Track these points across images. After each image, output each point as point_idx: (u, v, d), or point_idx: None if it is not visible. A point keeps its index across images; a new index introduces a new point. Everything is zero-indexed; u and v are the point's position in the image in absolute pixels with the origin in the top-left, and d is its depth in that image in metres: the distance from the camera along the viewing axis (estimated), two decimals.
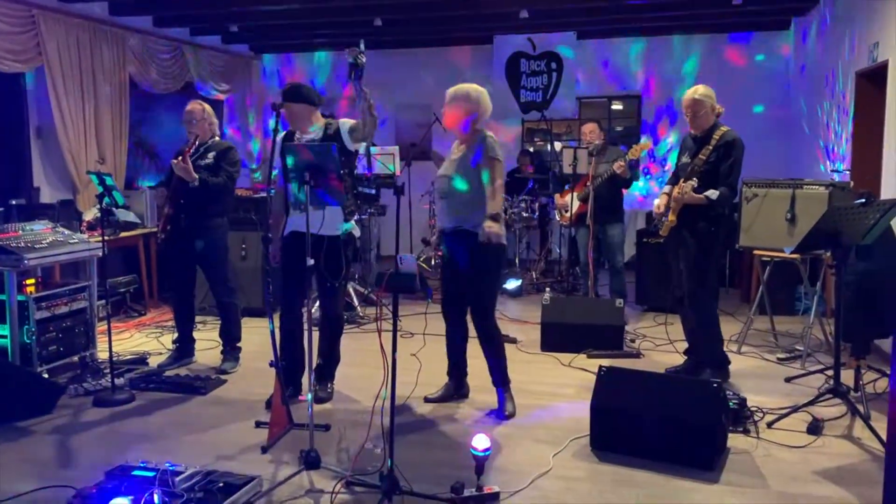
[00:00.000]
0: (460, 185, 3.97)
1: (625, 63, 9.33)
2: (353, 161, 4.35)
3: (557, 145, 7.91)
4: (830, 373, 4.13)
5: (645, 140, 5.91)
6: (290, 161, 3.56)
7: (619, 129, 9.56)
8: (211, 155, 4.88)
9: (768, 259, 5.29)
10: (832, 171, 6.48)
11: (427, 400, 4.31)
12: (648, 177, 9.26)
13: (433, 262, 8.59)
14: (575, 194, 6.30)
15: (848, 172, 6.12)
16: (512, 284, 7.51)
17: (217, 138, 5.04)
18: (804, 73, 8.11)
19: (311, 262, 3.50)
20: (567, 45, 9.21)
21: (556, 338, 5.39)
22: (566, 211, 6.46)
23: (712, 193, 4.28)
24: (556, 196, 6.73)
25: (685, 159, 4.54)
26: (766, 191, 5.10)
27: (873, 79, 5.80)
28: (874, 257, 4.11)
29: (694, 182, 4.36)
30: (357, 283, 6.83)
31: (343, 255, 4.13)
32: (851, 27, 6.30)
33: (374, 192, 6.83)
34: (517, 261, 8.37)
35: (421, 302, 6.61)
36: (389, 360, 3.03)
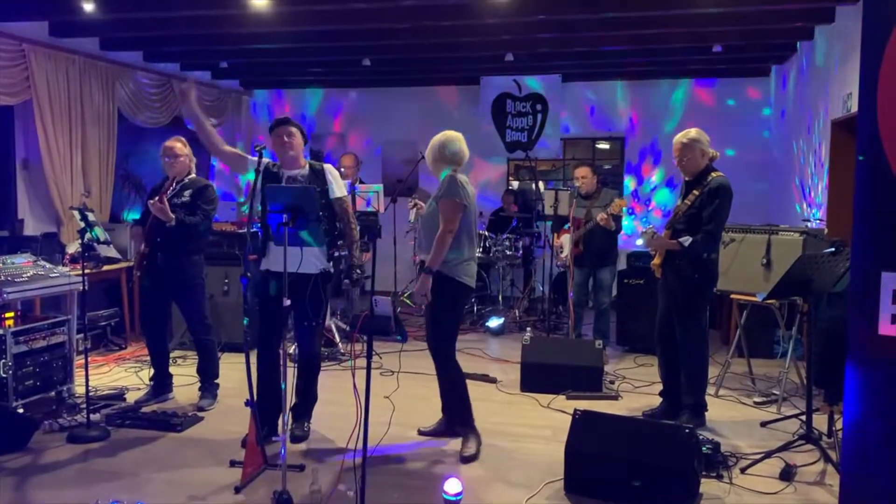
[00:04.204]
0: (427, 222, 4.13)
1: (609, 105, 9.50)
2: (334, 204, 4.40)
3: (541, 185, 8.00)
4: (805, 418, 4.17)
5: (618, 200, 6.05)
6: (269, 203, 3.61)
7: (606, 166, 9.70)
8: (187, 193, 4.90)
9: (745, 303, 5.35)
10: (803, 220, 6.60)
11: (420, 432, 4.38)
12: (633, 216, 9.37)
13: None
14: (566, 237, 6.39)
15: (821, 221, 6.22)
16: (494, 322, 7.53)
17: (193, 175, 5.04)
18: (783, 120, 8.28)
19: (287, 302, 3.52)
20: (552, 87, 9.37)
21: (536, 378, 5.40)
22: (561, 251, 6.55)
23: (685, 240, 4.34)
24: (554, 236, 6.82)
25: (678, 202, 4.63)
26: (742, 236, 5.19)
27: (848, 128, 5.93)
28: (845, 305, 4.18)
29: (651, 228, 4.48)
30: (339, 318, 6.84)
31: (322, 294, 4.16)
32: (827, 76, 6.46)
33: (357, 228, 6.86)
34: (500, 298, 8.41)
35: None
36: (362, 403, 3.05)
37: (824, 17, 6.30)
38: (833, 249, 3.91)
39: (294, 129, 4.21)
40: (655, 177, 9.38)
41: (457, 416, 4.20)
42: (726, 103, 9.12)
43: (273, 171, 4.21)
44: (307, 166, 4.28)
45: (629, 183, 9.45)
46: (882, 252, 2.14)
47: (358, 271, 4.30)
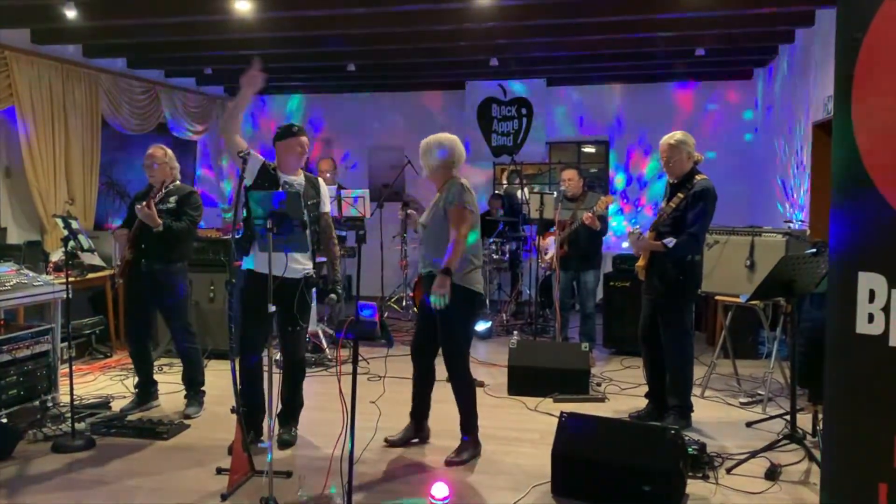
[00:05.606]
0: (432, 231, 4.10)
1: (594, 109, 9.55)
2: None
3: (526, 190, 8.03)
4: (790, 418, 4.20)
5: (605, 197, 6.07)
6: (254, 208, 3.60)
7: (592, 170, 9.75)
8: (172, 199, 4.88)
9: (730, 304, 5.39)
10: (785, 221, 6.65)
11: (387, 441, 4.32)
12: (622, 216, 9.43)
13: (404, 304, 8.62)
14: (551, 239, 6.42)
15: (801, 222, 6.28)
16: (481, 326, 7.53)
17: (178, 182, 5.03)
18: (766, 122, 8.36)
19: (272, 308, 3.52)
20: (537, 91, 9.42)
21: (523, 381, 5.41)
22: (546, 253, 6.58)
23: (669, 241, 4.37)
24: (539, 238, 6.85)
25: (662, 205, 4.65)
26: (726, 238, 5.22)
27: (829, 130, 5.98)
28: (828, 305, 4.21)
29: (637, 229, 4.49)
30: (326, 324, 6.83)
31: (306, 298, 4.16)
32: (808, 80, 6.53)
33: (343, 234, 6.88)
34: (487, 302, 8.41)
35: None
36: (348, 408, 3.05)
37: (804, 20, 6.37)
38: (814, 250, 3.94)
39: (306, 140, 4.28)
40: (647, 170, 9.42)
41: (463, 424, 4.17)
42: (709, 106, 9.19)
43: (272, 172, 4.21)
44: (302, 175, 4.31)
45: (617, 183, 9.49)
46: (858, 252, 2.17)
47: (340, 290, 4.32)
